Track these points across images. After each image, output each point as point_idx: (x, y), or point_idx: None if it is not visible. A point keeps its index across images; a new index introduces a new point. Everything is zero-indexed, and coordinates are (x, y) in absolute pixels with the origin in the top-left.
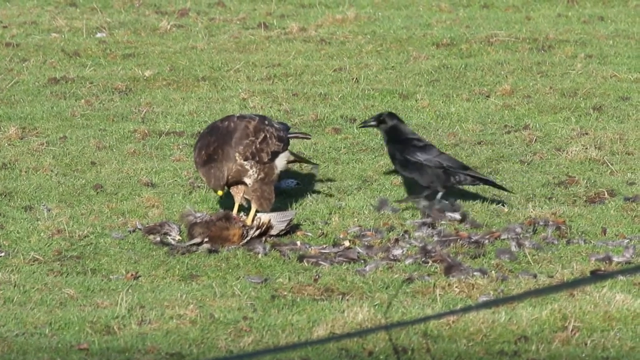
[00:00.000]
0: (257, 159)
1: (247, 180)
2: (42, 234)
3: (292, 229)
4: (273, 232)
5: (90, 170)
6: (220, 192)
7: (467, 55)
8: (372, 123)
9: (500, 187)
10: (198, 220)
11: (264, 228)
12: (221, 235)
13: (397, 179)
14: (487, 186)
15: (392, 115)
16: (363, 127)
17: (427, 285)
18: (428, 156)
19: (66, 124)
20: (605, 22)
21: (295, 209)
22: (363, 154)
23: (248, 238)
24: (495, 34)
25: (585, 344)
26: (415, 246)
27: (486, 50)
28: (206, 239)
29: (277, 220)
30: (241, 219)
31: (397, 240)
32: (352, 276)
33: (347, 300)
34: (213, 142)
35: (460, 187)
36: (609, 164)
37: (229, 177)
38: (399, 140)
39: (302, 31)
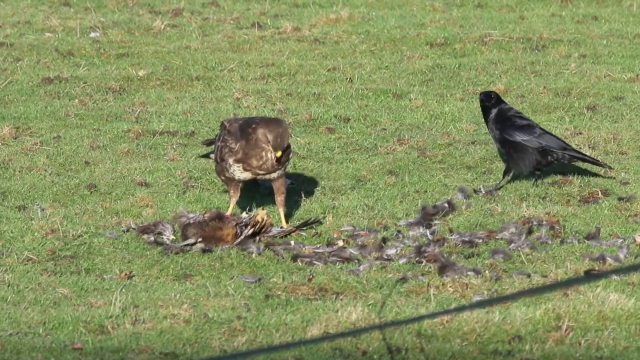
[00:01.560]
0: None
1: (279, 172)
2: (36, 234)
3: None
4: (272, 232)
5: (84, 169)
6: (279, 153)
7: (461, 54)
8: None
9: (598, 164)
10: (191, 221)
11: (257, 227)
12: (215, 235)
13: (391, 179)
14: (586, 163)
15: (499, 98)
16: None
17: (421, 285)
18: (527, 137)
19: (60, 123)
20: (599, 21)
21: (289, 208)
22: (357, 153)
23: (242, 237)
24: (489, 34)
25: (579, 344)
26: (409, 246)
27: (480, 50)
28: (200, 239)
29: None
30: (234, 217)
31: (384, 239)
32: (346, 276)
33: (341, 299)
34: (262, 119)
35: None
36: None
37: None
38: (501, 120)
39: (296, 31)
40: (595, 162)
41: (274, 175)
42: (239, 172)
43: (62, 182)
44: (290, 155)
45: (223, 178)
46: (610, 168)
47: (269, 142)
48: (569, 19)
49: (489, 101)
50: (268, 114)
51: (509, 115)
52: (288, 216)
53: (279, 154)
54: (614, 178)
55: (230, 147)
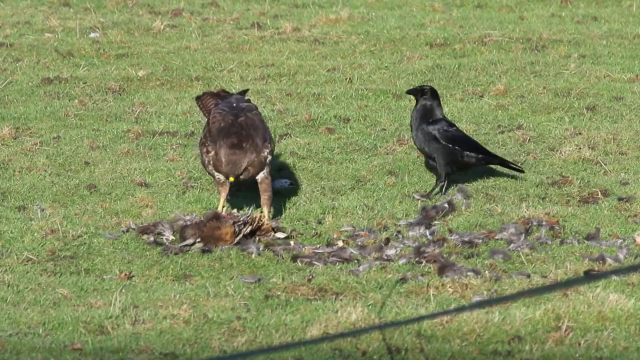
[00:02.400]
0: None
1: (260, 175)
2: (35, 234)
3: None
4: (268, 233)
5: (84, 170)
6: (232, 179)
7: (461, 55)
8: (414, 92)
9: (513, 168)
10: (188, 223)
11: (255, 225)
12: (213, 235)
13: (391, 179)
14: (500, 167)
15: (434, 93)
16: (408, 93)
17: (420, 285)
18: (440, 132)
19: (60, 124)
20: (599, 22)
21: (289, 208)
22: (356, 154)
23: (241, 235)
24: (488, 34)
25: (579, 344)
26: (408, 246)
27: (480, 50)
28: (199, 240)
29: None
30: (231, 216)
31: (387, 240)
32: (346, 276)
33: (341, 300)
34: (243, 128)
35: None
36: (603, 164)
37: (248, 166)
38: (423, 115)
39: (296, 31)
40: (510, 166)
41: (257, 178)
42: (215, 173)
43: (62, 183)
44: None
45: (206, 170)
46: (521, 171)
47: (222, 164)
48: (569, 19)
49: (423, 94)
50: (268, 114)
51: (433, 112)
52: (286, 217)
53: (231, 179)
54: (613, 178)
55: (208, 150)
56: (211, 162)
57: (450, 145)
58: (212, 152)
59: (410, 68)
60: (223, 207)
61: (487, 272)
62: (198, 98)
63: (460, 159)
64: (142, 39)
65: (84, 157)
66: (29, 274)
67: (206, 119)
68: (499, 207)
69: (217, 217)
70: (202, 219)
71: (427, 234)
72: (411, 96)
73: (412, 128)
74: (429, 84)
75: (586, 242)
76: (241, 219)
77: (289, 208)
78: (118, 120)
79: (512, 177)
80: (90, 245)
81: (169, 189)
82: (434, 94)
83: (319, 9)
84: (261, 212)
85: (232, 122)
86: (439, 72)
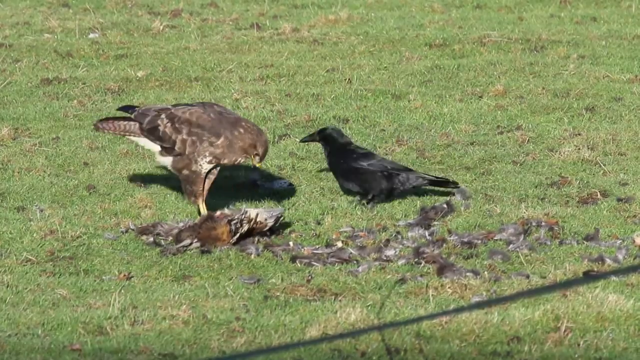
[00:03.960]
0: None
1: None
2: (34, 235)
3: (281, 226)
4: (264, 228)
5: (83, 170)
6: (260, 165)
7: (460, 55)
8: (314, 138)
9: (449, 183)
10: (182, 227)
11: (252, 223)
12: (210, 236)
13: None
14: (437, 187)
15: (334, 129)
16: (303, 141)
17: (419, 286)
18: (371, 161)
19: (59, 124)
20: (598, 22)
21: (288, 209)
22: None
23: (238, 235)
24: (487, 35)
25: (578, 345)
26: (407, 247)
27: (479, 51)
28: (195, 241)
29: (265, 217)
30: (225, 215)
31: (388, 240)
32: (345, 277)
33: (340, 300)
34: (230, 114)
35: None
36: (602, 165)
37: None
38: (341, 151)
39: (295, 32)
40: (443, 182)
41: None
42: (207, 165)
43: (61, 183)
44: None
45: (187, 172)
46: (455, 184)
47: (258, 154)
48: (568, 20)
49: (325, 139)
50: (267, 114)
51: (349, 148)
52: (285, 217)
53: (259, 165)
54: (613, 179)
55: (211, 141)
56: (215, 153)
57: (379, 172)
58: (220, 141)
59: (410, 69)
60: (222, 212)
61: (486, 272)
62: (98, 129)
63: (390, 181)
64: (141, 40)
65: (83, 157)
66: (28, 275)
67: (130, 135)
68: (498, 208)
69: (211, 217)
70: (196, 222)
71: (427, 234)
72: (410, 96)
73: (334, 170)
74: (329, 125)
75: (585, 242)
76: (236, 217)
77: (288, 209)
78: None
79: (512, 177)
80: (90, 245)
81: (168, 190)
82: (338, 133)
83: (318, 10)
84: (257, 212)
85: (213, 112)
86: (438, 73)
